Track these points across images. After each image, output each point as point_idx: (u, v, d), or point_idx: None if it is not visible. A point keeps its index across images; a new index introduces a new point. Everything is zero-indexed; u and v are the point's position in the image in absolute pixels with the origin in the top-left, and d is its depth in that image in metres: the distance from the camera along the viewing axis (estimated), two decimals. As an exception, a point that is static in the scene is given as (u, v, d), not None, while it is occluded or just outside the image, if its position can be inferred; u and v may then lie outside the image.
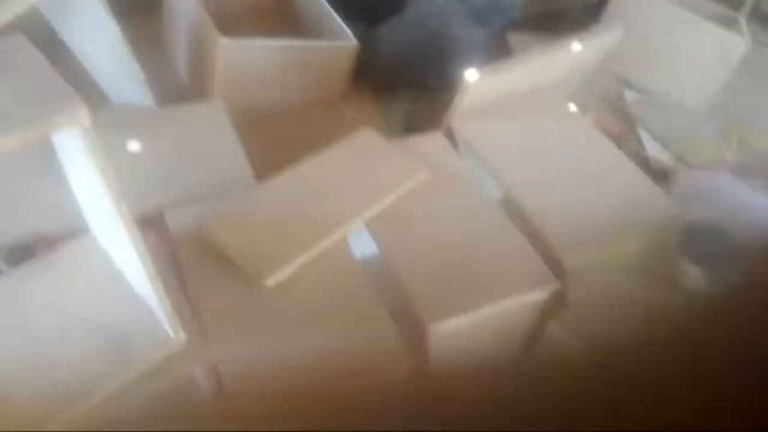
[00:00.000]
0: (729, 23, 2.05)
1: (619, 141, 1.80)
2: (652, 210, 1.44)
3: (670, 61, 2.06)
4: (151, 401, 1.05)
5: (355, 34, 1.79)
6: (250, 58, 1.67)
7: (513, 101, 1.62)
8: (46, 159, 0.98)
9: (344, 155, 1.40)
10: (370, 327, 1.11)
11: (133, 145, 1.35)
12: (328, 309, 1.13)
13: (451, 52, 1.92)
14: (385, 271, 1.25)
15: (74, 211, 1.07)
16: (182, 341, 1.02)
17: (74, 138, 0.83)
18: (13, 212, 1.20)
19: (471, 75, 1.45)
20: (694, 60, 2.04)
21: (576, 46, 1.59)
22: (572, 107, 1.73)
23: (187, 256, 1.17)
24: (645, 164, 1.83)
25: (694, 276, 1.27)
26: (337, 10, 1.82)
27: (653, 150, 1.92)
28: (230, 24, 1.62)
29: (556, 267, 1.29)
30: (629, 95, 2.09)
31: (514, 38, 2.06)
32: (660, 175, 1.77)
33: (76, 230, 1.12)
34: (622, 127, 1.98)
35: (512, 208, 1.42)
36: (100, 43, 1.49)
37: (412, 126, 1.93)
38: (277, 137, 1.74)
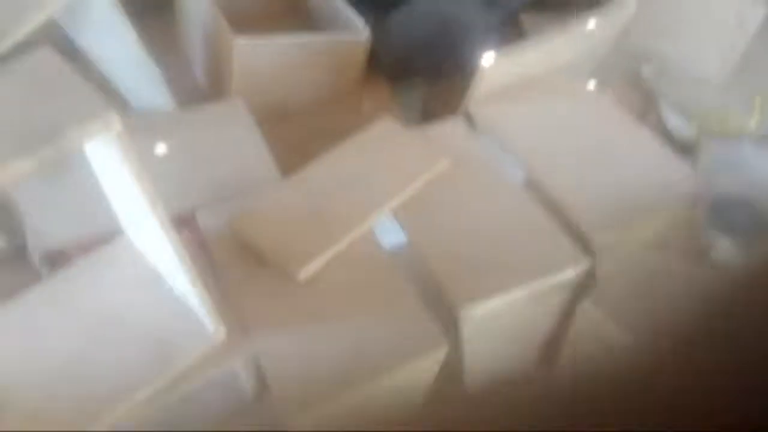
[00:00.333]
0: (746, -11, 2.02)
1: (640, 116, 1.79)
2: (678, 184, 1.42)
3: (687, 32, 2.03)
4: (194, 398, 1.08)
5: (366, 24, 1.79)
6: (264, 55, 1.68)
7: (530, 83, 1.62)
8: (78, 165, 1.00)
9: (365, 146, 1.41)
10: (404, 315, 1.12)
11: (159, 148, 1.37)
12: (361, 299, 1.14)
13: (465, 37, 1.91)
14: (413, 258, 1.26)
15: (108, 215, 1.09)
16: (222, 337, 1.04)
17: (106, 144, 0.84)
18: (48, 219, 1.22)
19: (487, 58, 1.45)
20: (712, 29, 2.01)
21: (591, 23, 1.58)
22: (591, 85, 1.72)
23: (221, 254, 1.19)
24: (668, 138, 1.81)
25: (724, 248, 1.26)
26: (347, 1, 1.82)
27: (675, 124, 1.90)
28: (243, 23, 1.63)
29: (585, 246, 1.29)
30: (647, 69, 2.07)
31: (528, 19, 2.04)
32: (684, 149, 1.75)
33: (110, 234, 1.15)
34: (643, 103, 1.96)
35: (536, 190, 1.42)
36: (117, 49, 1.51)
37: (429, 112, 1.93)
38: (296, 132, 1.75)
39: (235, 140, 1.44)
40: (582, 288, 1.29)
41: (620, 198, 1.39)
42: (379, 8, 1.90)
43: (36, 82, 0.87)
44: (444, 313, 1.16)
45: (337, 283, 1.17)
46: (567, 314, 1.34)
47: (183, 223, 1.22)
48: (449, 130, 1.52)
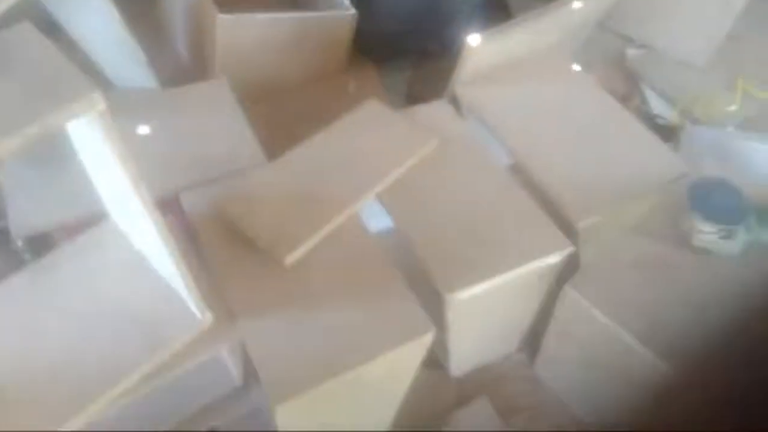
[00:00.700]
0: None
1: (624, 99, 1.80)
2: (660, 168, 1.44)
3: (671, 15, 2.04)
4: (182, 383, 1.07)
5: (353, 3, 1.77)
6: (249, 33, 1.65)
7: (516, 64, 1.61)
8: (61, 147, 0.97)
9: (352, 128, 1.40)
10: (391, 298, 1.12)
11: (142, 129, 1.34)
12: (348, 283, 1.14)
13: (451, 17, 1.90)
14: (400, 242, 1.26)
15: (92, 198, 1.07)
16: (209, 321, 1.03)
17: (89, 124, 0.83)
18: (32, 202, 1.20)
19: (473, 39, 1.44)
20: (696, 12, 2.02)
21: (576, 3, 1.57)
22: (576, 67, 1.71)
23: (206, 238, 1.18)
24: (651, 122, 1.82)
25: (706, 232, 1.28)
26: (333, -19, 1.80)
27: (658, 107, 1.91)
28: (227, 1, 1.60)
29: (568, 230, 1.30)
30: (632, 52, 2.08)
31: (514, 0, 2.03)
32: (666, 133, 1.76)
33: (94, 217, 1.13)
34: (627, 86, 1.97)
35: (521, 173, 1.43)
36: (99, 26, 1.47)
37: (414, 94, 1.92)
38: (281, 112, 1.73)
39: (219, 121, 1.42)
40: (565, 271, 1.31)
41: (603, 182, 1.40)
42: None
43: (17, 60, 0.84)
44: (429, 296, 1.17)
45: (324, 268, 1.16)
46: (550, 297, 1.36)
47: (166, 206, 1.20)
48: (435, 112, 1.51)
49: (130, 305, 1.02)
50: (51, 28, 1.44)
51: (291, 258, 1.15)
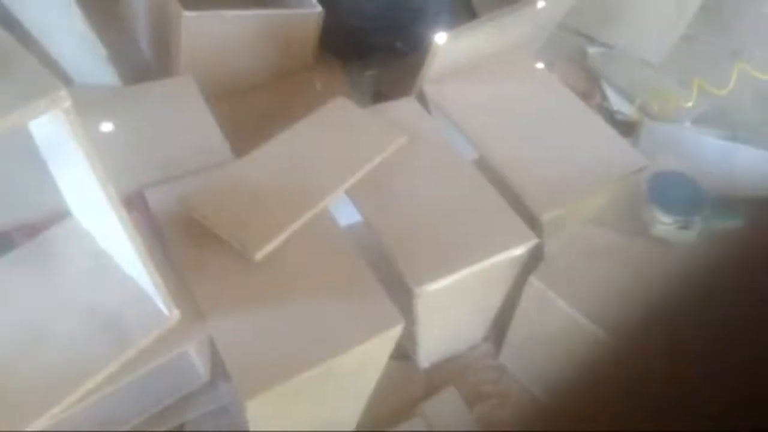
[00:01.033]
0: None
1: (585, 96, 1.84)
2: (620, 162, 1.48)
3: (630, 15, 2.10)
4: (149, 381, 1.07)
5: (319, 1, 1.77)
6: (214, 30, 1.64)
7: (481, 62, 1.64)
8: (23, 145, 0.96)
9: (321, 126, 1.41)
10: (360, 292, 1.13)
11: (105, 126, 1.32)
12: (318, 278, 1.15)
13: (417, 16, 1.92)
14: (369, 237, 1.27)
15: (53, 196, 1.06)
16: (176, 318, 1.02)
17: (54, 121, 0.81)
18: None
19: (440, 38, 1.46)
20: (653, 14, 2.08)
21: (540, 3, 1.60)
22: (539, 65, 1.75)
23: (172, 234, 1.17)
24: (611, 117, 1.88)
25: (665, 223, 1.32)
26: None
27: (618, 103, 1.97)
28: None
29: (532, 222, 1.33)
30: (592, 51, 2.13)
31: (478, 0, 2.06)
32: (626, 128, 1.82)
33: (56, 216, 1.11)
34: (587, 83, 2.02)
35: (487, 168, 1.45)
36: (58, 20, 1.44)
37: (379, 93, 1.93)
38: (247, 110, 1.72)
39: (184, 117, 1.41)
40: (530, 263, 1.34)
41: (566, 175, 1.44)
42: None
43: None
44: (398, 289, 1.18)
45: (293, 263, 1.17)
46: (516, 288, 1.39)
47: (131, 203, 1.19)
48: (403, 109, 1.53)
49: (96, 303, 1.01)
50: (9, 24, 1.41)
51: (261, 254, 1.15)
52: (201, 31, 1.59)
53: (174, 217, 1.20)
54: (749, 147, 1.78)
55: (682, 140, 1.65)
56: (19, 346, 0.96)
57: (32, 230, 1.13)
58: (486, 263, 1.24)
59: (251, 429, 1.06)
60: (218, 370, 1.24)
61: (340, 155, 1.34)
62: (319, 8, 1.76)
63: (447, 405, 1.42)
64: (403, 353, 1.47)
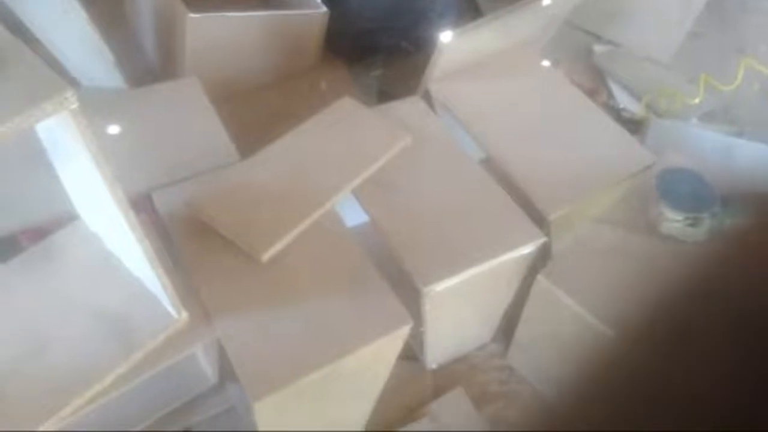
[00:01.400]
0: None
1: (591, 94, 1.83)
2: (628, 160, 1.47)
3: (636, 13, 2.09)
4: (157, 382, 1.06)
5: (324, 2, 1.77)
6: (219, 31, 1.64)
7: (487, 60, 1.63)
8: (31, 148, 0.96)
9: (326, 126, 1.40)
10: (368, 292, 1.13)
11: (112, 128, 1.32)
12: (325, 278, 1.15)
13: (422, 15, 1.92)
14: (376, 237, 1.27)
15: (60, 199, 1.06)
16: (184, 320, 1.02)
17: (62, 123, 0.81)
18: (-1, 205, 1.18)
19: (445, 37, 1.45)
20: (659, 11, 2.07)
21: (545, 1, 1.60)
22: (545, 63, 1.74)
23: (180, 236, 1.17)
24: (617, 115, 1.87)
25: (674, 220, 1.31)
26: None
27: (624, 101, 1.96)
28: (197, 0, 1.58)
29: (540, 221, 1.33)
30: (599, 49, 2.12)
31: (483, -2, 2.06)
32: (632, 126, 1.81)
33: (63, 218, 1.11)
34: (594, 81, 2.01)
35: (493, 167, 1.45)
36: (66, 26, 1.45)
37: (385, 92, 1.93)
38: (252, 111, 1.72)
39: (190, 119, 1.41)
40: (538, 262, 1.33)
41: (573, 174, 1.43)
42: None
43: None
44: (406, 290, 1.18)
45: (300, 264, 1.16)
46: (523, 287, 1.38)
47: (139, 205, 1.19)
48: (408, 108, 1.52)
49: (103, 306, 1.01)
50: (15, 28, 1.42)
51: (268, 255, 1.15)
52: (206, 33, 1.60)
53: (181, 219, 1.20)
54: (756, 143, 1.77)
55: (689, 137, 1.64)
56: (27, 349, 0.96)
57: (39, 233, 1.13)
58: (494, 262, 1.23)
59: (260, 430, 1.06)
60: (226, 371, 1.24)
61: (346, 155, 1.34)
62: (324, 8, 1.76)
63: (455, 405, 1.42)
64: (411, 354, 1.46)
